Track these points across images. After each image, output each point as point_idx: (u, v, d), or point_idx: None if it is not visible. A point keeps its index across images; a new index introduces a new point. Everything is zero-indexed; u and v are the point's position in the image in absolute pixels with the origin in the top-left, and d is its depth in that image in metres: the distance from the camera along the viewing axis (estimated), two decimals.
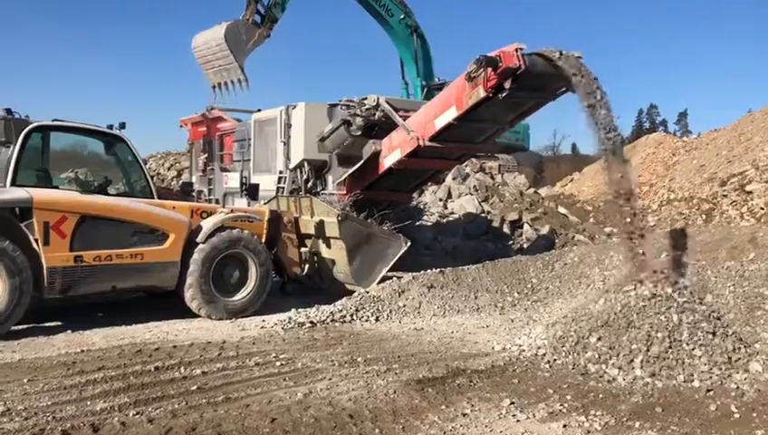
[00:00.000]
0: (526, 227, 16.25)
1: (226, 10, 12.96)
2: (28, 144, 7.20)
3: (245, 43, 12.55)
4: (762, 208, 17.44)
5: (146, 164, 12.55)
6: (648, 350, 5.62)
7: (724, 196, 19.03)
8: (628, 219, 6.83)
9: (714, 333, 5.79)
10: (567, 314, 6.52)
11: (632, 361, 5.59)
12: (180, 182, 11.47)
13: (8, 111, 7.34)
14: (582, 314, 6.29)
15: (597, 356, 5.76)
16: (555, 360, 5.93)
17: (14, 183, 7.00)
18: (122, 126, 7.97)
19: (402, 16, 13.86)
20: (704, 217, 18.58)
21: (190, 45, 13.22)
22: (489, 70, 8.11)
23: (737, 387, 5.29)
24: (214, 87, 13.13)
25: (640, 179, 23.68)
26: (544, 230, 16.07)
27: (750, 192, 18.40)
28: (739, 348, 5.77)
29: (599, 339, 5.87)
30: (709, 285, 7.85)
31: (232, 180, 12.41)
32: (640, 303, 6.01)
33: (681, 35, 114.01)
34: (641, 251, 6.66)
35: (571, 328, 6.14)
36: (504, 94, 8.30)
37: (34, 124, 7.29)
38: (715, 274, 8.09)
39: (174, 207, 7.99)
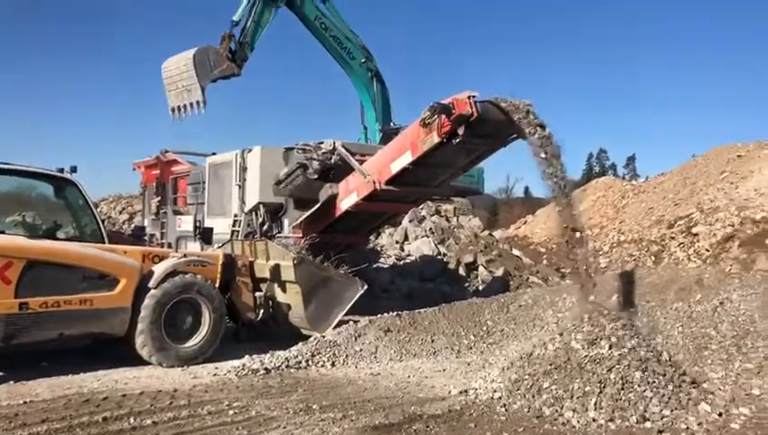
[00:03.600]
0: (481, 269, 16.39)
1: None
2: None
3: (211, 69, 12.60)
4: (707, 250, 18.00)
5: (97, 208, 12.33)
6: (600, 392, 5.69)
7: (672, 238, 19.60)
8: (579, 262, 6.98)
9: (664, 375, 5.91)
10: (521, 356, 6.57)
11: (586, 403, 5.64)
12: (132, 226, 11.29)
13: None
14: (536, 356, 6.34)
15: (552, 399, 5.80)
16: (511, 403, 5.95)
17: None
18: (73, 169, 7.83)
19: (363, 60, 14.09)
20: (653, 258, 19.07)
21: (145, 87, 13.23)
22: (443, 116, 8.28)
23: (687, 428, 5.39)
24: (173, 110, 13.07)
25: (591, 222, 24.24)
26: (499, 272, 16.24)
27: (696, 234, 19.00)
28: (688, 388, 5.89)
29: (553, 382, 5.93)
30: (659, 326, 8.04)
31: (185, 224, 12.24)
32: (592, 345, 6.10)
33: (628, 84, 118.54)
34: (592, 293, 6.80)
35: (526, 371, 6.18)
36: (458, 140, 8.46)
37: None
38: (664, 315, 8.29)
39: (125, 252, 7.82)
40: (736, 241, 17.54)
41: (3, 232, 7.25)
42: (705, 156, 25.95)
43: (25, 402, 5.95)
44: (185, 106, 12.88)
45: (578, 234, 7.25)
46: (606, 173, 63.65)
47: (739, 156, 23.18)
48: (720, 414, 5.67)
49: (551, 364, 6.12)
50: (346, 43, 13.83)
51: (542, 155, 7.55)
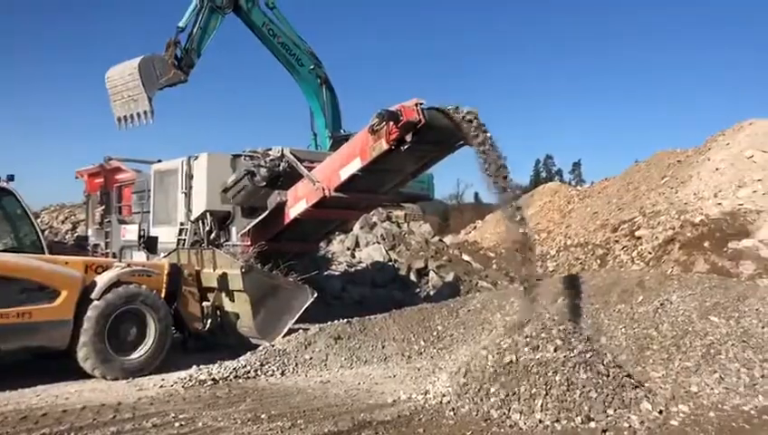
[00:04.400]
0: (432, 274, 16.53)
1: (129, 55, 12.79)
2: None
3: (158, 78, 12.39)
4: (650, 253, 18.54)
5: (38, 217, 11.98)
6: (546, 394, 5.80)
7: (616, 241, 20.13)
8: (525, 266, 7.10)
9: (607, 375, 6.06)
10: (470, 361, 6.64)
11: (532, 405, 5.74)
12: (75, 236, 10.97)
13: None
14: (484, 360, 6.41)
15: (499, 402, 5.88)
16: (459, 407, 6.01)
17: None
18: (11, 178, 7.60)
19: (312, 67, 14.04)
20: (598, 261, 19.54)
21: (89, 92, 12.94)
22: (391, 123, 8.33)
23: (629, 426, 5.54)
24: (119, 120, 12.80)
25: (538, 226, 24.72)
26: (449, 277, 16.40)
27: (639, 238, 19.55)
28: (631, 388, 6.05)
29: (500, 385, 6.00)
30: (603, 328, 8.23)
31: (130, 233, 11.96)
32: (538, 348, 6.20)
33: (573, 90, 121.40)
34: (537, 296, 6.93)
35: (474, 375, 6.25)
36: (406, 147, 8.53)
37: None
38: (607, 316, 8.49)
39: (66, 263, 7.63)
40: (677, 244, 18.12)
41: None
42: (647, 161, 26.77)
43: None
44: (131, 116, 12.64)
45: (523, 238, 7.37)
46: (553, 179, 65.03)
47: (679, 161, 23.99)
48: (660, 412, 5.85)
49: (498, 368, 6.19)
50: (294, 50, 13.77)
51: (487, 160, 7.68)
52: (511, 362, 6.13)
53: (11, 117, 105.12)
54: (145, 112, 12.42)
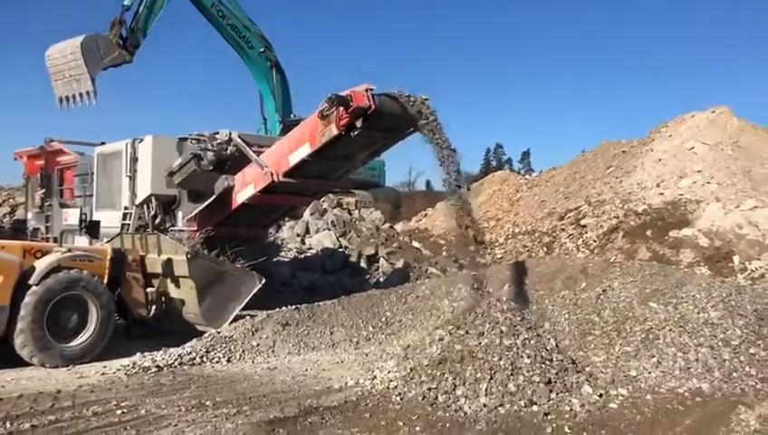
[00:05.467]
0: (382, 261, 16.58)
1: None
2: None
3: (101, 58, 12.03)
4: (594, 241, 19.04)
5: None
6: (491, 378, 5.89)
7: (563, 229, 20.59)
8: (472, 252, 7.18)
9: (551, 360, 6.19)
10: (417, 346, 6.70)
11: (477, 389, 5.83)
12: (13, 219, 10.59)
13: None
14: (431, 345, 6.48)
15: (445, 387, 5.94)
16: (406, 392, 6.05)
17: None
18: None
19: (262, 49, 13.81)
20: (545, 249, 19.96)
21: (39, 62, 12.47)
22: (341, 108, 8.27)
23: (571, 409, 5.67)
24: (61, 100, 12.39)
25: (487, 214, 25.07)
26: (399, 264, 16.47)
27: (584, 226, 20.05)
28: (573, 372, 6.20)
29: (447, 370, 6.07)
30: (547, 314, 8.40)
31: (71, 217, 11.61)
32: (484, 333, 6.29)
33: (524, 80, 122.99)
34: (484, 283, 7.02)
35: (421, 360, 6.31)
36: (356, 133, 8.49)
37: None
38: (551, 302, 8.67)
39: (3, 247, 7.38)
40: (620, 232, 18.65)
41: None
42: (594, 151, 27.41)
43: None
44: (73, 96, 12.25)
45: (471, 225, 7.45)
46: (502, 167, 65.90)
47: (624, 151, 24.63)
48: (601, 395, 6.01)
49: (445, 353, 6.26)
50: (244, 32, 13.52)
51: (436, 148, 7.71)
52: (457, 347, 6.21)
53: None
54: (87, 93, 12.06)
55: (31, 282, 7.28)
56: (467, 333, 6.35)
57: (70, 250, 7.95)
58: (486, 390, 5.81)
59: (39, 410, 5.51)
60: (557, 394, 5.86)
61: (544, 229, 21.23)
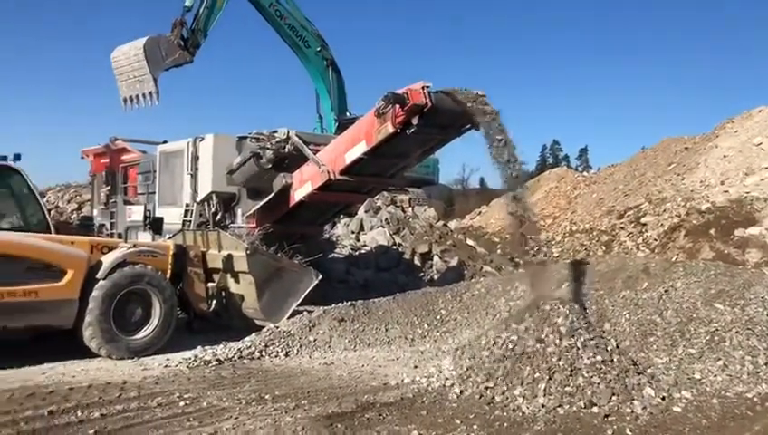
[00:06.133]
0: (436, 259, 16.50)
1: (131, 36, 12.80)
2: None
3: (163, 59, 12.41)
4: (655, 240, 18.52)
5: (43, 197, 12.01)
6: (550, 378, 5.81)
7: (622, 228, 20.09)
8: (529, 251, 7.10)
9: (611, 361, 6.06)
10: (474, 344, 6.65)
11: (535, 389, 5.76)
12: (80, 216, 11.01)
13: None
14: (488, 344, 6.43)
15: (502, 386, 5.89)
16: (463, 390, 6.03)
17: None
18: (17, 157, 7.62)
19: (318, 49, 13.99)
20: (603, 247, 19.52)
21: (99, 69, 12.98)
22: (397, 106, 8.29)
23: (632, 411, 5.54)
24: (125, 100, 12.82)
25: (544, 212, 24.67)
26: (453, 262, 16.37)
27: (644, 224, 19.52)
28: (634, 374, 6.06)
29: (504, 369, 6.02)
30: (607, 314, 8.22)
31: (135, 214, 11.98)
32: (543, 332, 6.21)
33: (583, 75, 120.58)
34: (542, 282, 6.92)
35: (478, 359, 6.27)
36: (412, 130, 8.49)
37: None
38: (612, 303, 8.47)
39: (72, 242, 7.64)
40: (682, 231, 18.09)
41: None
42: (654, 148, 26.65)
43: None
44: (137, 96, 12.67)
45: (529, 223, 7.36)
46: (559, 164, 64.74)
47: (686, 148, 23.87)
48: (663, 398, 5.86)
49: (502, 353, 6.21)
50: (301, 31, 13.73)
51: (495, 144, 7.65)
52: (515, 346, 6.15)
53: (18, 95, 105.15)
54: (150, 93, 12.45)
55: (98, 276, 7.53)
56: (525, 332, 6.28)
57: (135, 246, 8.21)
58: (545, 390, 5.73)
59: (107, 400, 5.71)
60: (618, 396, 5.74)
61: (603, 228, 20.76)
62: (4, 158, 7.55)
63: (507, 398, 5.78)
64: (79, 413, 5.31)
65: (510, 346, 6.22)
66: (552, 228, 22.99)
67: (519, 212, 7.42)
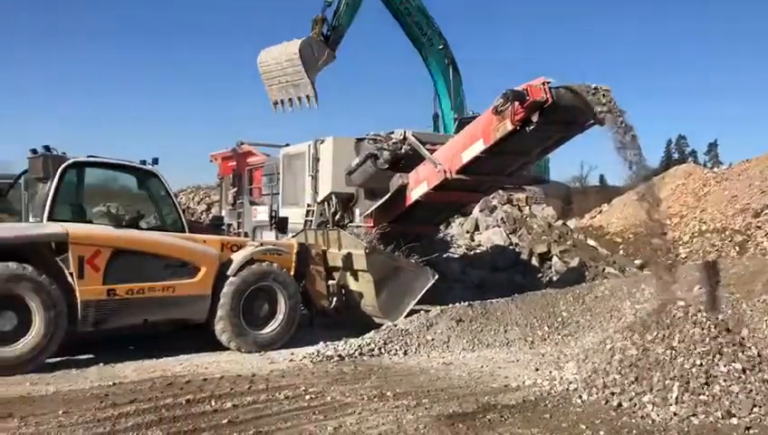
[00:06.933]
0: (555, 259, 16.06)
1: (254, 45, 13.28)
2: (65, 180, 7.38)
3: (317, 61, 12.72)
4: None
5: (177, 198, 12.78)
6: (683, 386, 5.50)
7: (758, 227, 18.71)
8: (660, 252, 6.76)
9: (751, 369, 5.66)
10: (599, 348, 6.42)
11: (667, 396, 5.47)
12: (210, 216, 11.65)
13: (47, 148, 7.57)
14: (614, 349, 6.18)
15: (630, 392, 5.65)
16: (587, 395, 5.84)
17: (50, 218, 7.17)
18: (155, 161, 8.14)
19: (441, 47, 14.01)
20: (737, 248, 18.26)
21: (222, 81, 13.59)
22: (516, 103, 8.15)
23: None
24: (275, 103, 13.27)
25: (670, 211, 23.38)
26: (574, 263, 15.87)
27: None
28: None
29: (632, 375, 5.76)
30: (745, 319, 7.68)
31: (261, 214, 12.55)
32: (675, 337, 5.90)
33: (710, 66, 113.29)
34: (673, 284, 6.57)
35: (604, 363, 6.04)
36: (532, 127, 8.31)
37: (71, 160, 7.48)
38: (750, 307, 7.92)
39: (204, 241, 8.09)
40: None
41: (90, 222, 7.64)
42: None
43: (114, 384, 6.27)
44: (290, 100, 13.03)
45: (657, 223, 7.01)
46: (686, 160, 60.92)
47: None
48: None
49: (629, 357, 5.95)
50: (426, 29, 13.77)
51: (620, 141, 7.34)
52: (644, 351, 5.88)
53: (154, 106, 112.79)
54: (308, 97, 12.77)
55: (228, 273, 7.94)
56: (655, 337, 5.98)
57: (262, 244, 8.58)
58: (677, 398, 5.43)
59: (238, 392, 6.01)
60: (760, 408, 5.34)
61: (736, 227, 19.41)
62: (144, 162, 8.10)
63: (635, 404, 5.53)
64: (213, 403, 5.62)
65: (638, 352, 5.94)
66: (678, 228, 21.77)
67: (649, 207, 7.05)
